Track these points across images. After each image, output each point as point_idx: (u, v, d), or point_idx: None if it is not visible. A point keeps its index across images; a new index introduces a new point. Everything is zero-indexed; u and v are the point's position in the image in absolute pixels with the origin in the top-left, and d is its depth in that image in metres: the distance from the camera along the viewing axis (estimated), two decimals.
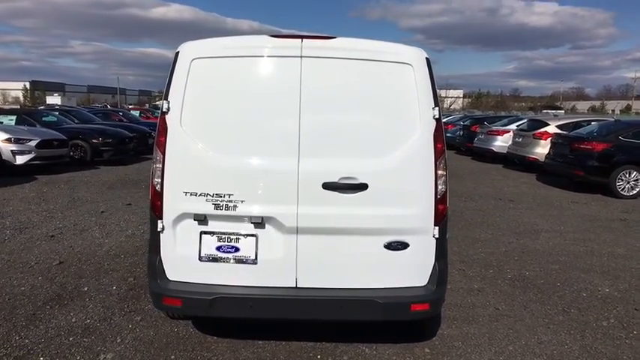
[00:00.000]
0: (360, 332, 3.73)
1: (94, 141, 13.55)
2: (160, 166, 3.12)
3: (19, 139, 11.35)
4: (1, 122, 13.72)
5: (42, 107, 32.31)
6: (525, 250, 6.21)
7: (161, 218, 3.16)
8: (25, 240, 6.08)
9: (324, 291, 3.12)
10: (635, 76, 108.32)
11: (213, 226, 3.12)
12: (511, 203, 9.45)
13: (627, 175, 10.24)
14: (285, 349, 3.51)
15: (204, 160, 3.07)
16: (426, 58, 3.19)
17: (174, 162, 3.10)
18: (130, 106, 52.11)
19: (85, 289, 4.55)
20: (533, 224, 7.69)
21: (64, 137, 12.47)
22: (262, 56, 3.12)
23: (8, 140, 11.19)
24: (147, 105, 65.72)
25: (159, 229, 3.17)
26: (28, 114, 15.54)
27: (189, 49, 3.16)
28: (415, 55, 3.16)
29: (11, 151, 11.12)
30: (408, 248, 3.12)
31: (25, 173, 11.19)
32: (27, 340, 3.56)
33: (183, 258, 3.15)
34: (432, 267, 3.18)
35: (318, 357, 3.43)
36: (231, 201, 3.07)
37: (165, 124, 3.11)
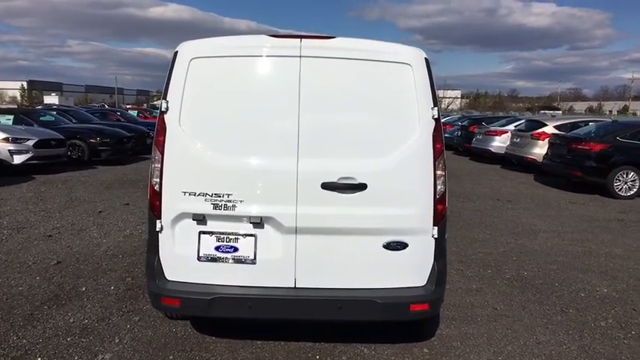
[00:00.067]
0: (359, 332, 3.73)
1: (91, 141, 13.52)
2: (159, 165, 3.11)
3: (17, 139, 11.32)
4: None
5: (39, 107, 32.22)
6: (523, 250, 6.22)
7: (160, 218, 3.16)
8: (23, 240, 6.07)
9: (323, 291, 3.12)
10: (632, 77, 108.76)
11: (212, 226, 3.12)
12: (509, 204, 9.47)
13: (625, 176, 10.26)
14: (283, 350, 3.51)
15: (203, 160, 3.07)
16: (425, 58, 3.19)
17: (173, 162, 3.10)
18: (128, 106, 52.12)
19: (83, 289, 4.54)
20: (531, 224, 7.70)
21: (62, 137, 12.44)
22: (261, 56, 3.12)
23: (6, 140, 11.16)
24: (145, 105, 65.63)
25: (157, 229, 3.17)
26: (25, 113, 15.51)
27: (188, 49, 3.16)
28: (414, 55, 3.16)
29: (9, 150, 11.09)
30: (407, 248, 3.12)
31: (23, 173, 11.16)
32: (24, 341, 3.55)
33: (182, 258, 3.15)
34: (431, 267, 3.18)
35: (317, 357, 3.43)
36: (230, 201, 3.06)
37: (164, 123, 3.10)
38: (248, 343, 3.57)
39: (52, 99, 64.30)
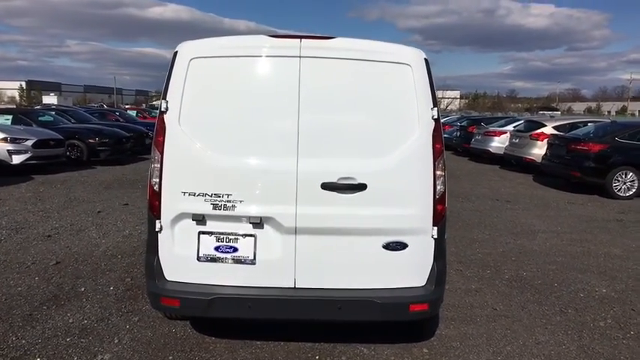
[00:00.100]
0: (359, 332, 3.73)
1: (90, 141, 13.51)
2: (158, 165, 3.11)
3: (16, 139, 11.31)
4: None
5: (38, 107, 32.18)
6: (522, 250, 6.23)
7: (159, 218, 3.15)
8: (22, 240, 6.06)
9: (323, 291, 3.12)
10: (630, 78, 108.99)
11: (211, 226, 3.12)
12: (508, 204, 9.47)
13: (623, 176, 10.28)
14: (283, 350, 3.50)
15: (202, 160, 3.07)
16: (425, 58, 3.20)
17: (172, 162, 3.09)
18: (127, 106, 52.07)
19: (82, 289, 4.54)
20: (530, 225, 7.71)
21: (61, 137, 12.42)
22: (261, 56, 3.12)
23: (4, 140, 11.15)
24: (143, 105, 65.59)
25: (157, 229, 3.16)
26: (24, 113, 15.49)
27: (187, 49, 3.16)
28: (414, 56, 3.16)
29: (7, 150, 11.07)
30: (407, 248, 3.13)
31: (22, 173, 11.15)
32: (24, 341, 3.54)
33: (182, 258, 3.14)
34: (430, 267, 3.18)
35: (317, 357, 3.43)
36: (229, 201, 3.06)
37: (164, 123, 3.10)
38: (247, 343, 3.57)
39: (50, 99, 64.18)
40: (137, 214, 7.66)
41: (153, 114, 28.94)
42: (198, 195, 3.07)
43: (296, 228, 3.06)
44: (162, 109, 3.12)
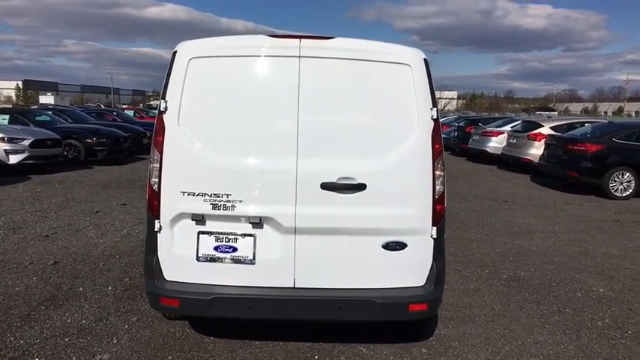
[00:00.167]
0: (358, 332, 3.73)
1: (87, 141, 13.47)
2: (158, 165, 3.10)
3: (13, 139, 11.27)
4: None
5: (35, 107, 32.08)
6: (520, 250, 6.24)
7: (158, 218, 3.15)
8: (19, 240, 6.04)
9: (322, 291, 3.12)
10: (627, 79, 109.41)
11: (210, 226, 3.11)
12: (506, 204, 9.49)
13: (620, 177, 10.32)
14: (282, 350, 3.50)
15: (202, 160, 3.07)
16: (424, 58, 3.20)
17: (172, 161, 3.09)
18: (124, 106, 51.94)
19: (81, 289, 4.53)
20: (527, 225, 7.73)
21: (58, 137, 12.39)
22: (261, 56, 3.12)
23: (1, 140, 11.10)
24: (141, 105, 65.46)
25: (156, 229, 3.16)
26: (21, 113, 15.44)
27: (186, 49, 3.15)
28: (413, 56, 3.17)
29: (4, 150, 11.03)
30: (406, 248, 3.13)
31: (19, 173, 11.10)
32: (22, 341, 3.53)
33: (181, 258, 3.14)
34: (429, 267, 3.19)
35: (316, 357, 3.43)
36: (229, 201, 3.06)
37: (163, 123, 3.10)
38: (246, 343, 3.57)
39: (47, 99, 64.05)
40: (135, 214, 7.64)
41: (150, 114, 28.89)
42: (198, 195, 3.07)
43: (295, 228, 3.07)
44: (162, 109, 3.11)
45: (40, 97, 69.63)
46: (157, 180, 3.11)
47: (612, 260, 5.91)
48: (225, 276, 3.12)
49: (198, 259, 3.11)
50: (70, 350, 3.43)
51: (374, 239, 3.11)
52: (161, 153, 3.09)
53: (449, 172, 12.52)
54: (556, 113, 59.73)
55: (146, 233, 3.28)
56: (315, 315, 3.17)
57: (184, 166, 3.09)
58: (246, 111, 3.09)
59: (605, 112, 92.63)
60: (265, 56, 3.11)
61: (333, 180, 3.04)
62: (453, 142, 19.96)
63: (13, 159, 11.11)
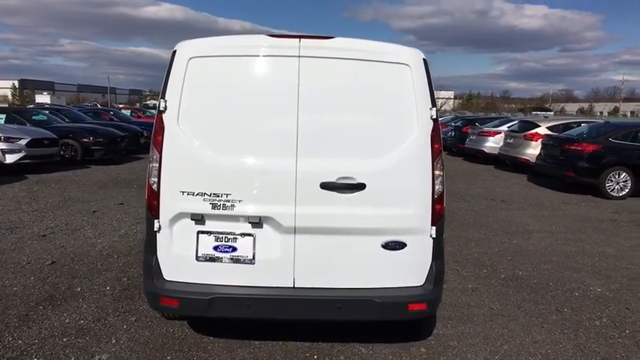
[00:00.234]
0: (357, 332, 3.73)
1: (84, 140, 13.42)
2: (157, 165, 3.10)
3: (9, 138, 11.22)
4: None
5: (31, 106, 31.95)
6: (518, 250, 6.26)
7: (157, 218, 3.14)
8: (16, 240, 6.01)
9: (322, 291, 3.12)
10: (622, 79, 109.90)
11: (210, 225, 3.11)
12: (503, 204, 9.52)
13: (617, 177, 10.36)
14: (281, 349, 3.50)
15: (201, 160, 3.06)
16: (423, 58, 3.21)
17: (171, 161, 3.08)
18: (121, 105, 51.80)
19: (79, 289, 4.51)
20: (525, 224, 7.75)
21: (55, 136, 12.34)
22: (260, 56, 3.12)
23: None
24: (137, 104, 65.31)
25: (155, 229, 3.15)
26: (17, 112, 15.38)
27: (186, 48, 3.15)
28: (412, 56, 3.17)
29: (1, 149, 10.99)
30: (406, 248, 3.14)
31: (15, 172, 11.06)
32: (20, 341, 3.52)
33: (180, 258, 3.14)
34: (429, 267, 3.19)
35: (315, 357, 3.43)
36: (228, 200, 3.06)
37: (162, 123, 3.09)
38: (246, 343, 3.57)
39: (43, 98, 63.76)
40: (133, 213, 7.63)
41: (147, 113, 28.81)
42: (197, 194, 3.07)
43: (295, 228, 3.07)
44: (161, 109, 3.11)
45: (36, 96, 69.32)
46: (157, 180, 3.11)
47: (609, 260, 5.94)
48: (224, 276, 3.12)
49: (197, 258, 3.11)
50: (69, 350, 3.42)
51: (373, 239, 3.12)
52: (160, 152, 3.08)
53: (446, 172, 12.47)
54: (552, 113, 59.98)
55: (145, 233, 3.27)
56: (315, 315, 3.17)
57: (184, 166, 3.08)
58: (246, 111, 3.08)
59: (601, 113, 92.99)
60: (265, 56, 3.11)
61: (333, 180, 3.04)
62: (450, 142, 19.99)
63: (10, 158, 11.06)
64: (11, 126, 12.63)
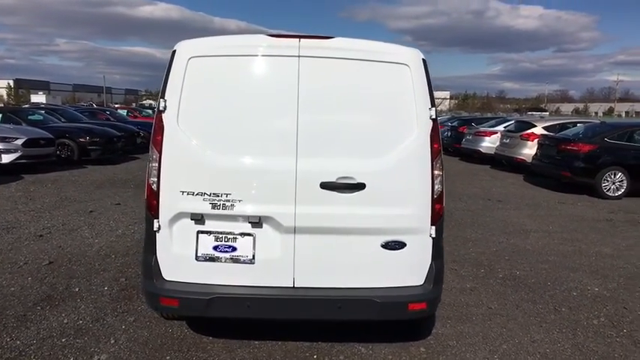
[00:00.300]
0: (356, 332, 3.73)
1: (81, 140, 13.37)
2: (157, 165, 3.09)
3: (5, 138, 11.16)
4: None
5: (26, 105, 31.79)
6: (515, 249, 6.28)
7: (157, 218, 3.13)
8: (13, 240, 5.99)
9: (322, 290, 3.12)
10: (617, 79, 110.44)
11: (210, 225, 3.11)
12: (500, 204, 9.55)
13: (612, 176, 10.40)
14: (281, 349, 3.50)
15: (201, 160, 3.06)
16: (423, 59, 3.22)
17: (171, 161, 3.08)
18: (117, 105, 51.60)
19: (76, 289, 4.50)
20: (522, 224, 7.78)
21: (51, 136, 12.28)
22: (260, 55, 3.11)
23: None
24: (133, 104, 65.12)
25: (155, 229, 3.14)
26: (13, 112, 15.31)
27: (185, 48, 3.14)
28: (412, 56, 3.18)
29: None
30: (405, 248, 3.14)
31: (11, 172, 11.00)
32: (18, 342, 3.50)
33: (180, 258, 3.13)
34: (428, 266, 3.20)
35: (315, 357, 3.43)
36: (228, 200, 3.06)
37: (162, 122, 3.08)
38: (245, 343, 3.57)
39: (39, 98, 63.41)
40: (130, 213, 7.60)
41: (144, 113, 28.72)
42: (197, 194, 3.06)
43: (295, 227, 3.07)
44: (161, 108, 3.10)
45: (31, 96, 68.94)
46: (156, 179, 3.10)
47: (606, 259, 5.97)
48: (224, 275, 3.11)
49: (197, 258, 3.10)
50: (68, 351, 3.41)
51: (373, 239, 3.12)
52: (160, 152, 3.07)
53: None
54: (547, 113, 60.18)
55: (144, 233, 3.26)
56: (315, 314, 3.17)
57: (183, 166, 3.08)
58: (246, 110, 3.08)
59: (596, 113, 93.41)
60: (265, 56, 3.11)
61: (333, 180, 3.04)
62: (446, 142, 19.98)
63: (6, 158, 11.01)
64: (7, 126, 12.57)
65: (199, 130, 3.07)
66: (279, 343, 3.57)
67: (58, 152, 12.82)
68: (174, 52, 3.15)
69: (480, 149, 16.53)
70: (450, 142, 19.76)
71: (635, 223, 8.17)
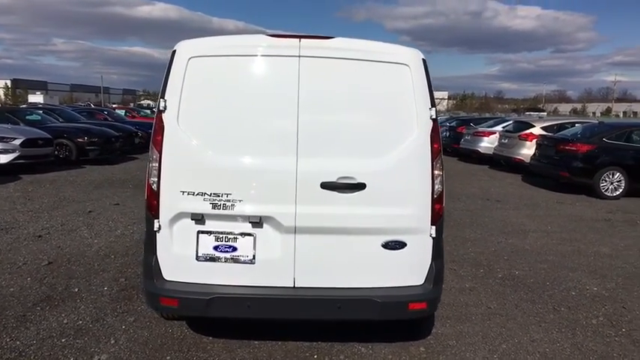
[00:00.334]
0: (356, 331, 3.74)
1: (79, 140, 13.35)
2: (157, 165, 3.09)
3: (3, 138, 11.13)
4: None
5: (24, 105, 31.72)
6: (514, 249, 6.30)
7: (157, 218, 3.13)
8: (12, 240, 5.98)
9: (322, 290, 3.12)
10: (615, 80, 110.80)
11: (210, 225, 3.11)
12: (498, 204, 9.57)
13: (611, 176, 10.43)
14: (281, 349, 3.50)
15: (202, 160, 3.06)
16: (423, 59, 3.22)
17: (171, 161, 3.08)
18: (114, 105, 51.49)
19: (76, 289, 4.49)
20: (520, 224, 7.79)
21: (49, 136, 12.26)
22: (260, 55, 3.12)
23: None
24: (131, 104, 65.05)
25: (155, 229, 3.14)
26: (11, 112, 15.28)
27: (186, 48, 3.14)
28: (412, 56, 3.19)
29: None
30: (406, 247, 3.15)
31: (9, 172, 10.97)
32: (18, 342, 3.50)
33: (180, 258, 3.13)
34: (429, 266, 3.21)
35: (315, 357, 3.43)
36: (229, 200, 3.06)
37: (162, 122, 3.08)
38: (245, 343, 3.57)
39: (36, 98, 63.20)
40: (129, 213, 7.60)
41: (142, 113, 28.68)
42: (198, 194, 3.06)
43: (295, 227, 3.07)
44: (161, 108, 3.10)
45: (29, 96, 68.74)
46: (156, 179, 3.10)
47: (605, 259, 5.98)
48: (224, 276, 3.12)
49: (197, 258, 3.10)
50: (68, 351, 3.41)
51: (374, 238, 3.13)
52: (160, 152, 3.07)
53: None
54: (545, 114, 60.32)
55: (144, 233, 3.26)
56: (316, 314, 3.18)
57: (184, 166, 3.08)
58: (246, 110, 3.08)
59: (594, 113, 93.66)
60: (265, 56, 3.11)
61: (333, 179, 3.05)
62: (444, 142, 19.97)
63: (4, 158, 10.98)
64: (5, 126, 12.52)
65: (200, 130, 3.07)
66: (279, 343, 3.58)
67: (56, 152, 12.80)
68: (174, 52, 3.15)
69: (479, 149, 16.56)
70: (448, 143, 19.75)
71: (633, 223, 8.19)
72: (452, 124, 20.79)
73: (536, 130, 13.98)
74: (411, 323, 3.77)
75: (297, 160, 3.03)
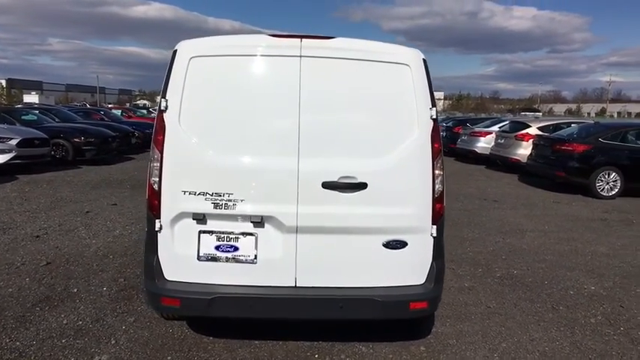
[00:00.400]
0: (357, 331, 3.75)
1: (75, 140, 13.29)
2: (158, 164, 3.09)
3: None
4: None
5: (19, 105, 31.55)
6: (512, 249, 6.32)
7: (159, 217, 3.13)
8: (9, 240, 5.95)
9: (324, 290, 3.13)
10: (609, 80, 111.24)
11: (212, 225, 3.11)
12: (495, 203, 9.60)
13: (606, 176, 10.49)
14: (282, 349, 3.51)
15: (203, 159, 3.06)
16: (423, 59, 3.24)
17: (172, 161, 3.08)
18: (110, 105, 51.35)
19: (75, 290, 4.48)
20: (518, 224, 7.82)
21: (46, 136, 12.20)
22: (262, 55, 3.12)
23: None
24: (127, 104, 64.85)
25: (156, 229, 3.14)
26: (7, 112, 15.18)
27: (187, 48, 3.14)
28: (412, 56, 3.20)
29: None
30: (407, 247, 3.16)
31: (6, 172, 10.92)
32: (18, 343, 3.49)
33: (182, 257, 3.13)
34: (429, 265, 3.22)
35: (316, 356, 3.44)
36: (230, 200, 3.06)
37: (163, 122, 3.08)
38: (246, 342, 3.57)
39: (31, 98, 62.83)
40: (126, 214, 7.58)
41: (138, 113, 28.60)
42: (199, 194, 3.06)
43: (297, 227, 3.07)
44: (162, 108, 3.10)
45: (24, 96, 68.33)
46: (158, 179, 3.09)
47: (602, 258, 6.02)
48: (226, 275, 3.12)
49: (199, 258, 3.10)
50: (68, 351, 3.40)
51: (375, 238, 3.14)
52: (161, 152, 3.07)
53: None
54: (540, 114, 60.53)
55: (145, 233, 3.26)
56: (317, 314, 3.18)
57: (185, 165, 3.08)
58: (247, 110, 3.08)
59: (589, 113, 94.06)
60: (267, 56, 3.12)
61: (335, 179, 3.05)
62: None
63: (0, 158, 10.92)
64: (1, 126, 12.45)
65: (201, 129, 3.07)
66: (280, 342, 3.58)
67: (52, 152, 12.73)
68: (175, 51, 3.15)
69: (475, 149, 16.60)
70: (445, 143, 19.74)
71: (629, 222, 8.24)
72: (448, 125, 20.82)
73: (533, 130, 14.03)
74: (411, 322, 3.78)
75: (298, 159, 3.04)
